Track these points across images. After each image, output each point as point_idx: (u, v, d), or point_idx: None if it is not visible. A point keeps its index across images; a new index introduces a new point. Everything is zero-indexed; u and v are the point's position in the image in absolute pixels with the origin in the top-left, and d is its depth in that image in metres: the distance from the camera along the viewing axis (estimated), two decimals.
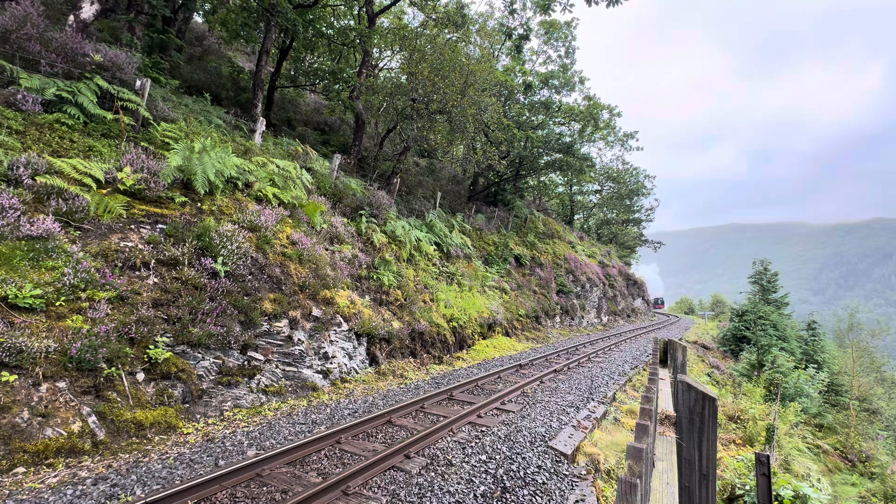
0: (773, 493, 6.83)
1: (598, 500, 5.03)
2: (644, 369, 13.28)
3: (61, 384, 5.09)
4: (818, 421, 20.51)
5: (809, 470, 12.20)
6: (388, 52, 23.37)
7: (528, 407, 8.05)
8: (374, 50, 20.73)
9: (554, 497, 4.86)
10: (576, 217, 48.07)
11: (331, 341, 9.10)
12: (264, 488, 4.52)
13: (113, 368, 5.52)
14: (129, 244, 6.72)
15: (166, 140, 8.88)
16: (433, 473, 5.07)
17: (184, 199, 8.05)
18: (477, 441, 6.12)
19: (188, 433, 5.82)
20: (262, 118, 12.46)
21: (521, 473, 5.25)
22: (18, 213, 5.92)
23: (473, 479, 5.01)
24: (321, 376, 8.65)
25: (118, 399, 5.47)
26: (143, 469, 4.71)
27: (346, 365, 9.40)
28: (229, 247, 7.66)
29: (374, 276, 11.75)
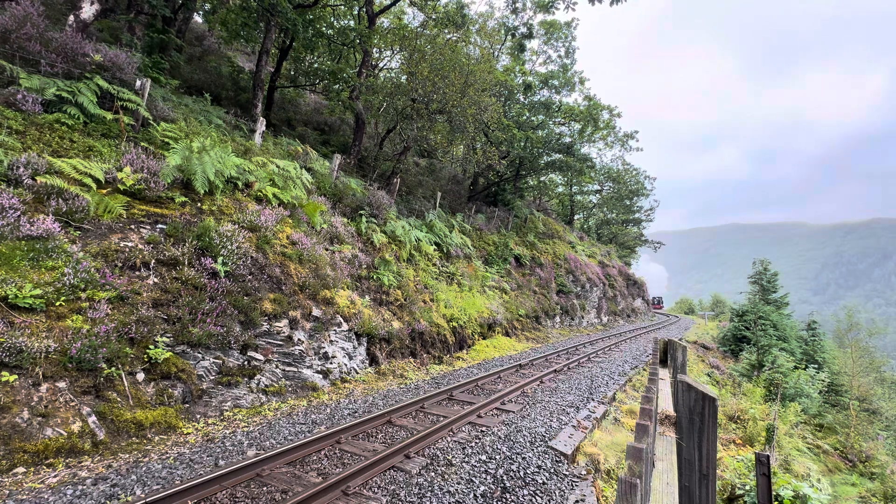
0: (773, 493, 6.83)
1: (598, 500, 5.03)
2: (644, 369, 13.28)
3: (61, 384, 5.09)
4: (818, 421, 20.51)
5: (809, 470, 12.20)
6: (388, 52, 23.37)
7: (528, 407, 8.05)
8: (374, 50, 20.73)
9: (554, 497, 4.86)
10: (576, 217, 48.07)
11: (331, 341, 9.10)
12: (264, 488, 4.52)
13: (113, 368, 5.52)
14: (129, 244, 6.72)
15: (166, 140, 8.88)
16: (433, 473, 5.07)
17: (184, 199, 8.05)
18: (477, 441, 6.12)
19: (188, 433, 5.82)
20: (262, 118, 12.46)
21: (521, 473, 5.25)
22: (18, 213, 5.92)
23: (473, 479, 5.01)
24: (321, 376, 8.65)
25: (118, 399, 5.47)
26: (143, 469, 4.71)
27: (346, 365, 9.40)
28: (229, 247, 7.66)
29: (374, 276, 11.75)
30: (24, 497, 4.00)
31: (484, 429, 6.71)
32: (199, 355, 6.65)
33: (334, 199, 12.99)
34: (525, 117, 24.86)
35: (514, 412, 7.66)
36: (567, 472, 5.50)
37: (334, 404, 7.79)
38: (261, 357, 7.51)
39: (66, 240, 6.15)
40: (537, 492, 4.90)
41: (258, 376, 7.39)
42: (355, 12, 19.72)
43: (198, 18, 21.64)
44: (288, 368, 8.01)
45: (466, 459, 5.49)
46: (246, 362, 7.28)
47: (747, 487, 8.37)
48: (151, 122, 9.13)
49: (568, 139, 26.49)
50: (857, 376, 25.06)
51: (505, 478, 5.10)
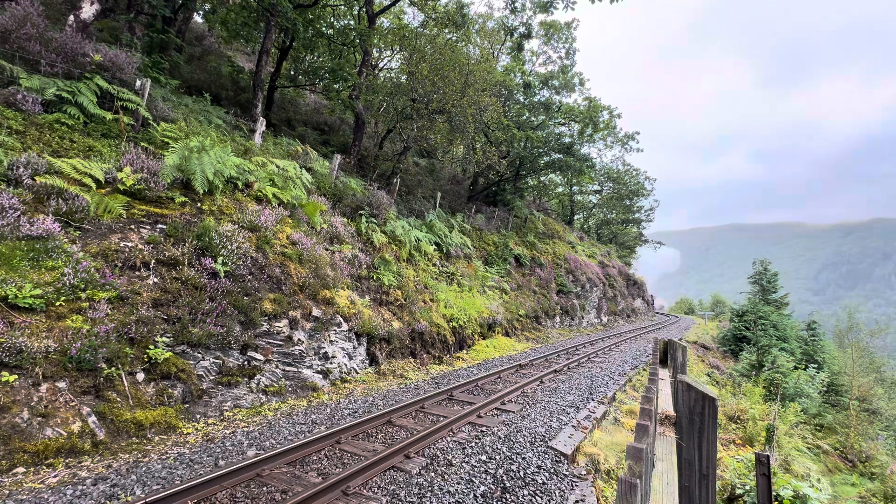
0: (773, 493, 6.82)
1: (598, 500, 5.03)
2: (644, 369, 13.28)
3: (61, 384, 5.09)
4: (818, 421, 20.51)
5: (809, 470, 12.20)
6: (388, 52, 23.37)
7: (528, 407, 8.05)
8: (374, 50, 20.73)
9: (554, 497, 4.86)
10: (576, 217, 48.05)
11: (331, 341, 9.10)
12: (264, 488, 4.52)
13: (113, 368, 5.51)
14: (129, 244, 6.72)
15: (166, 140, 8.88)
16: (433, 473, 5.07)
17: (184, 199, 8.05)
18: (477, 441, 6.12)
19: (188, 433, 5.82)
20: (262, 118, 12.46)
21: (521, 473, 5.25)
22: (18, 213, 5.92)
23: (473, 479, 5.01)
24: (321, 376, 8.65)
25: (118, 399, 5.47)
26: (143, 469, 4.71)
27: (346, 365, 9.39)
28: (229, 247, 7.66)
29: (374, 276, 11.75)
30: (24, 497, 3.99)
31: (484, 429, 6.71)
32: (199, 355, 6.65)
33: (334, 199, 12.99)
34: (525, 117, 24.84)
35: (514, 412, 7.66)
36: (567, 473, 5.50)
37: (334, 404, 7.79)
38: (261, 357, 7.51)
39: (66, 240, 6.15)
40: (537, 492, 4.90)
41: (258, 376, 7.39)
42: (355, 12, 19.71)
43: (198, 18, 21.62)
44: (288, 368, 8.01)
45: (466, 459, 5.49)
46: (246, 362, 7.28)
47: (747, 487, 8.37)
48: (151, 122, 9.13)
49: (568, 139, 26.48)
50: (857, 376, 25.05)
51: (505, 478, 5.10)
